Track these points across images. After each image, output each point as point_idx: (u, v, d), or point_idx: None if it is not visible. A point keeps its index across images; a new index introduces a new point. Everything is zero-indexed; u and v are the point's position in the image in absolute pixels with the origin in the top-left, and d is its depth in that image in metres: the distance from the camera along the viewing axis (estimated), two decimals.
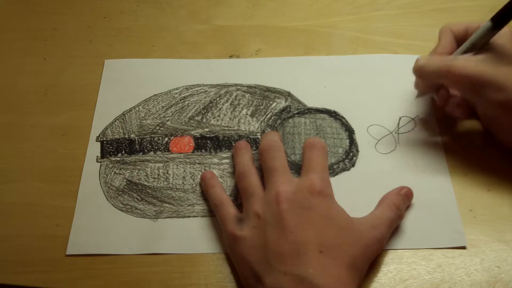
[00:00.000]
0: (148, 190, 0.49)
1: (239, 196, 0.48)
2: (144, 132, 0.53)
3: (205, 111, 0.55)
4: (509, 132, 0.48)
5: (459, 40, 0.50)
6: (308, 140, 0.47)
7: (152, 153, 0.52)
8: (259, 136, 0.52)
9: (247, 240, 0.42)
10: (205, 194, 0.49)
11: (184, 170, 0.51)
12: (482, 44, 0.47)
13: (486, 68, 0.45)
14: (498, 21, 0.45)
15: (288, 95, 0.55)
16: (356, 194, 0.48)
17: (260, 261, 0.40)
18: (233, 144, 0.52)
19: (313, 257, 0.39)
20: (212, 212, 0.48)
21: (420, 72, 0.49)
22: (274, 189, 0.43)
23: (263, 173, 0.46)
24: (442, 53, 0.49)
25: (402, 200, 0.46)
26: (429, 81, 0.51)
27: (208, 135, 0.53)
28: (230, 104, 0.55)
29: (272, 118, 0.54)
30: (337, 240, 0.41)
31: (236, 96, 0.55)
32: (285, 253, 0.40)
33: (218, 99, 0.55)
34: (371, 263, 0.43)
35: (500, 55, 0.46)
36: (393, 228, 0.45)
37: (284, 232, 0.40)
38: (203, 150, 0.52)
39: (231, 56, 0.59)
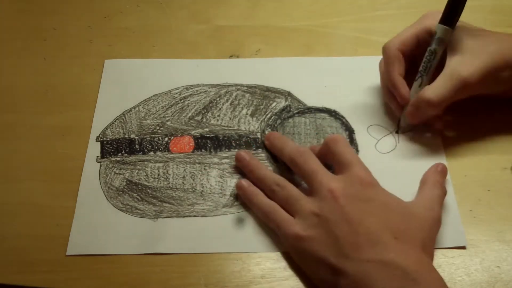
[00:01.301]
0: (148, 190, 0.49)
1: (239, 197, 0.48)
2: (144, 132, 0.53)
3: (205, 111, 0.54)
4: None
5: (410, 52, 0.50)
6: (330, 137, 0.47)
7: (152, 153, 0.52)
8: (259, 136, 0.52)
9: (316, 238, 0.42)
10: (248, 203, 0.48)
11: (184, 170, 0.51)
12: (444, 49, 0.48)
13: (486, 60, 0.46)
14: (449, 19, 0.47)
15: (288, 94, 0.55)
16: None
17: (336, 255, 0.40)
18: (233, 143, 0.52)
19: (390, 243, 0.40)
20: (212, 212, 0.48)
21: (432, 105, 0.48)
22: (325, 187, 0.43)
23: (303, 178, 0.46)
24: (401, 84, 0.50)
25: (442, 177, 0.46)
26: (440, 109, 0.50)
27: (208, 135, 0.53)
28: (230, 104, 0.55)
29: (272, 117, 0.54)
30: (404, 226, 0.41)
31: (236, 96, 0.55)
32: (361, 243, 0.40)
33: (218, 99, 0.55)
34: None
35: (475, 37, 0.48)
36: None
37: (353, 225, 0.41)
38: (203, 150, 0.52)
39: (231, 56, 0.59)
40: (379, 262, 0.39)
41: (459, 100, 0.49)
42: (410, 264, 0.38)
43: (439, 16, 0.48)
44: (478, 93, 0.49)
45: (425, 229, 0.42)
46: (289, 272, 0.44)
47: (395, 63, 0.50)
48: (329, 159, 0.46)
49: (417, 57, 0.50)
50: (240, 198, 0.48)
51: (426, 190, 0.45)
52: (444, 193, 0.46)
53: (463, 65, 0.47)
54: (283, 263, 0.45)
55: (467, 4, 0.62)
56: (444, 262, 0.44)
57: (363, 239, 0.40)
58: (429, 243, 0.42)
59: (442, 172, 0.47)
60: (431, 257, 0.42)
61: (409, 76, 0.50)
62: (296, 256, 0.44)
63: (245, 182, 0.48)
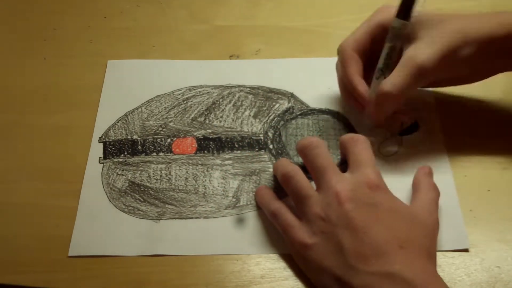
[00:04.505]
0: (151, 191, 0.49)
1: (241, 199, 0.48)
2: (146, 133, 0.53)
3: (208, 112, 0.54)
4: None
5: (365, 50, 0.49)
6: (347, 136, 0.46)
7: (154, 154, 0.52)
8: (262, 137, 0.53)
9: (321, 246, 0.41)
10: (259, 203, 0.48)
11: (187, 171, 0.50)
12: (401, 43, 0.47)
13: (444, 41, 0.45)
14: (405, 12, 0.46)
15: (291, 96, 0.55)
16: None
17: (341, 266, 0.40)
18: (236, 145, 0.52)
19: (395, 254, 0.39)
20: (214, 213, 0.48)
21: (388, 98, 0.47)
22: (331, 189, 0.42)
23: (310, 173, 0.45)
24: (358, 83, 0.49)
25: (432, 179, 0.46)
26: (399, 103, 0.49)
27: (210, 136, 0.53)
28: (233, 105, 0.55)
29: (275, 119, 0.54)
30: (410, 233, 0.41)
31: (239, 97, 0.55)
32: (367, 254, 0.39)
33: (221, 100, 0.55)
34: None
35: (433, 20, 0.46)
36: None
37: (358, 233, 0.40)
38: (205, 151, 0.52)
39: (231, 56, 0.59)
40: (384, 274, 0.38)
41: (460, 101, 0.48)
42: (416, 276, 0.38)
43: (392, 10, 0.47)
44: (441, 78, 0.48)
45: (429, 235, 0.42)
46: (288, 272, 0.44)
47: (352, 63, 0.49)
48: (346, 156, 0.46)
49: (374, 54, 0.49)
50: (242, 200, 0.48)
51: (422, 194, 0.45)
52: (438, 195, 0.45)
53: (418, 51, 0.45)
54: (282, 263, 0.45)
55: (467, 4, 0.63)
56: (444, 262, 0.44)
57: (368, 249, 0.39)
58: (433, 249, 0.42)
59: (431, 174, 0.47)
60: (435, 263, 0.42)
61: (369, 74, 0.49)
62: (300, 262, 0.44)
63: (262, 186, 0.49)
